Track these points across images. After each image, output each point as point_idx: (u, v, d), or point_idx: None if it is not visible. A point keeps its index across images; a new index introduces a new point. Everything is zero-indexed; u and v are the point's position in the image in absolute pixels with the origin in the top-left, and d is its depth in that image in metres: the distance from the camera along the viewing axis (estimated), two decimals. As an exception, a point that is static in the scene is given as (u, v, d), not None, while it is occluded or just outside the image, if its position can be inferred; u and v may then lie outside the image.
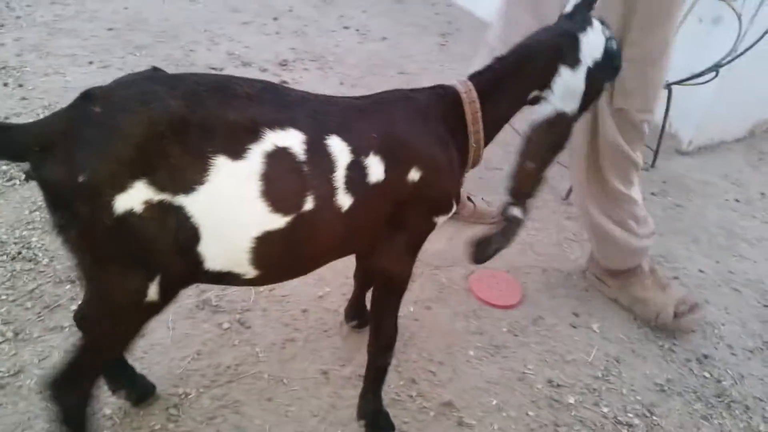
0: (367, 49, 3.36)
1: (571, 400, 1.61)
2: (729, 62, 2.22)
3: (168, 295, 1.02)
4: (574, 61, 1.16)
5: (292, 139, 0.98)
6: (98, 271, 0.98)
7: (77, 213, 0.90)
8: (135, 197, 0.89)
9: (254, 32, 3.36)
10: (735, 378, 1.79)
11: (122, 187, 0.88)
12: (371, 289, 1.38)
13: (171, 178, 0.90)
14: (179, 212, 0.92)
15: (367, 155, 1.06)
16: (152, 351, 1.55)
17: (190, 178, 0.91)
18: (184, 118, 0.91)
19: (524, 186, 1.19)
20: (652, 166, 2.67)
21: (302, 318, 1.70)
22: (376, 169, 1.07)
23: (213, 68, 2.90)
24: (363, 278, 1.61)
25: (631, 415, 1.62)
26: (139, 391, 1.41)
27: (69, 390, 1.08)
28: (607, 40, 1.21)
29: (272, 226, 0.98)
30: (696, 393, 1.72)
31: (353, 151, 1.04)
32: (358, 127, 1.07)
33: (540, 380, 1.65)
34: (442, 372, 1.63)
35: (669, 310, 1.86)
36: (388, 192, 1.10)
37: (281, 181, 0.97)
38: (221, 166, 0.92)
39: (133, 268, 0.95)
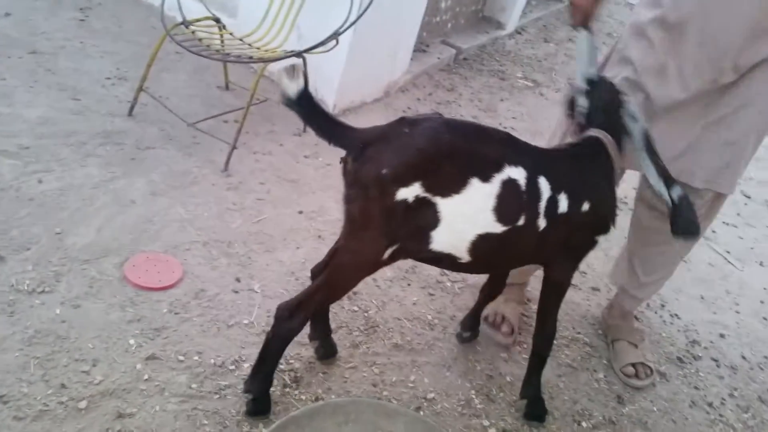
0: (-15, 27, 2.90)
1: (232, 366, 1.69)
2: (344, 30, 2.47)
3: (393, 260, 1.39)
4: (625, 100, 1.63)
5: (519, 174, 1.37)
6: (360, 232, 1.36)
7: (368, 192, 1.28)
8: (411, 192, 1.27)
9: None
10: (378, 306, 2.09)
11: (406, 184, 1.27)
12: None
13: (438, 184, 1.29)
14: (432, 207, 1.30)
15: (559, 193, 1.45)
16: None
17: (450, 187, 1.30)
18: (459, 148, 1.32)
19: (667, 172, 1.54)
20: (304, 131, 2.88)
21: None
22: (563, 203, 1.46)
23: None
24: (490, 292, 1.93)
25: (292, 361, 1.78)
26: (328, 349, 1.79)
27: (292, 316, 1.44)
28: None
29: (493, 230, 1.36)
30: (348, 326, 1.96)
31: (552, 189, 1.43)
32: (556, 172, 1.45)
33: (200, 351, 1.69)
34: (97, 370, 1.56)
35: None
36: (568, 219, 1.48)
37: (508, 201, 1.35)
38: (473, 184, 1.31)
39: (383, 236, 1.33)
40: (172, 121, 2.58)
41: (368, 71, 3.21)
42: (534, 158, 1.44)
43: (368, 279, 2.17)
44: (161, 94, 2.69)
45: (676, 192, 1.51)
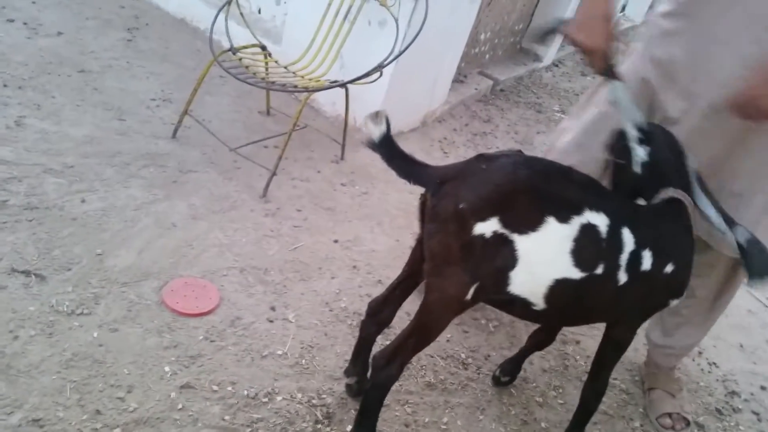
0: (37, 45, 2.98)
1: (265, 398, 1.68)
2: (390, 62, 2.49)
3: (475, 300, 1.37)
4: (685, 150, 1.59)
5: (601, 221, 1.34)
6: (441, 269, 1.35)
7: (447, 227, 1.30)
8: (488, 227, 1.27)
9: None
10: (412, 342, 2.06)
11: (483, 218, 1.27)
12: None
13: (515, 221, 1.27)
14: (510, 245, 1.28)
15: (644, 249, 1.40)
16: None
17: (527, 225, 1.28)
18: (536, 186, 1.32)
19: (726, 213, 1.50)
20: (342, 158, 2.89)
21: (-48, 370, 1.46)
22: (647, 260, 1.40)
23: None
24: (539, 342, 1.93)
25: (324, 396, 1.75)
26: (362, 387, 1.73)
27: (389, 364, 1.46)
28: None
29: (570, 275, 1.32)
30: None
31: (636, 243, 1.38)
32: (641, 227, 1.40)
33: (234, 382, 1.68)
34: (132, 397, 1.56)
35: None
36: (650, 279, 1.42)
37: (586, 247, 1.32)
38: (550, 224, 1.28)
39: (464, 273, 1.31)
40: (214, 145, 2.61)
41: (407, 101, 3.22)
42: (619, 208, 1.41)
43: (400, 313, 2.15)
44: (204, 118, 2.73)
45: (743, 234, 1.44)
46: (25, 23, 3.16)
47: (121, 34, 3.34)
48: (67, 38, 3.14)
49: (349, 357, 1.89)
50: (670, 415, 2.09)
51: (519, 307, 1.40)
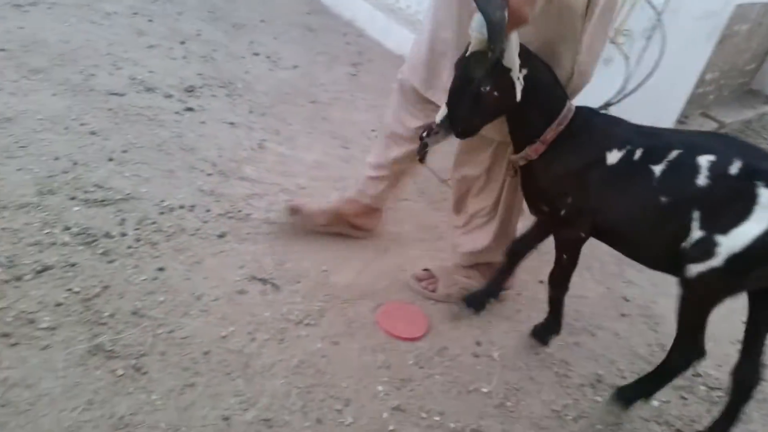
0: (277, 76, 3.35)
1: (472, 433, 1.66)
2: (619, 101, 2.37)
3: None
4: None
5: None
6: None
7: None
8: None
9: (160, 56, 3.27)
10: (624, 400, 1.91)
11: None
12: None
13: None
14: None
15: None
16: (39, 402, 1.45)
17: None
18: None
19: None
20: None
21: (203, 361, 1.65)
22: None
23: (114, 93, 2.79)
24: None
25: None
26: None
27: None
28: None
29: None
30: (589, 418, 1.82)
31: None
32: None
33: (441, 412, 1.69)
34: (349, 411, 1.63)
35: None
36: None
37: None
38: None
39: None
40: (425, 175, 2.69)
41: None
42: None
43: (613, 368, 2.02)
44: (418, 149, 2.84)
45: None
46: (267, 57, 3.57)
47: (347, 68, 3.62)
48: (302, 71, 3.48)
49: (555, 407, 1.81)
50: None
51: None
